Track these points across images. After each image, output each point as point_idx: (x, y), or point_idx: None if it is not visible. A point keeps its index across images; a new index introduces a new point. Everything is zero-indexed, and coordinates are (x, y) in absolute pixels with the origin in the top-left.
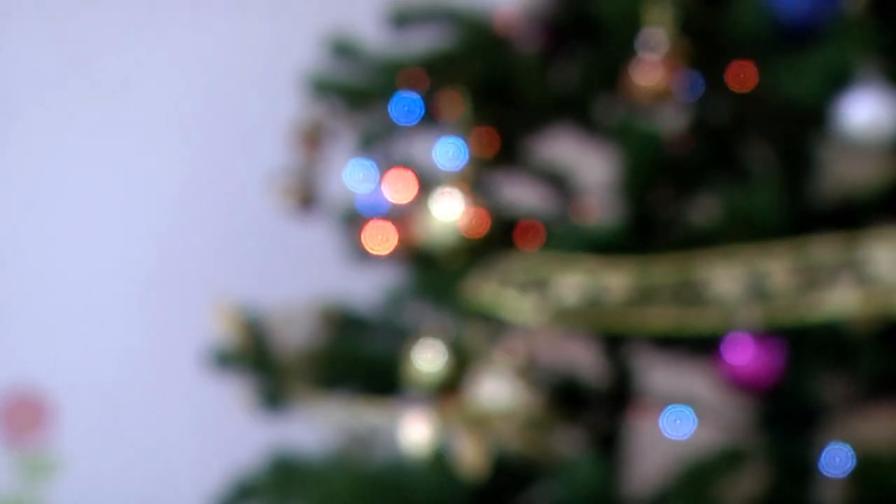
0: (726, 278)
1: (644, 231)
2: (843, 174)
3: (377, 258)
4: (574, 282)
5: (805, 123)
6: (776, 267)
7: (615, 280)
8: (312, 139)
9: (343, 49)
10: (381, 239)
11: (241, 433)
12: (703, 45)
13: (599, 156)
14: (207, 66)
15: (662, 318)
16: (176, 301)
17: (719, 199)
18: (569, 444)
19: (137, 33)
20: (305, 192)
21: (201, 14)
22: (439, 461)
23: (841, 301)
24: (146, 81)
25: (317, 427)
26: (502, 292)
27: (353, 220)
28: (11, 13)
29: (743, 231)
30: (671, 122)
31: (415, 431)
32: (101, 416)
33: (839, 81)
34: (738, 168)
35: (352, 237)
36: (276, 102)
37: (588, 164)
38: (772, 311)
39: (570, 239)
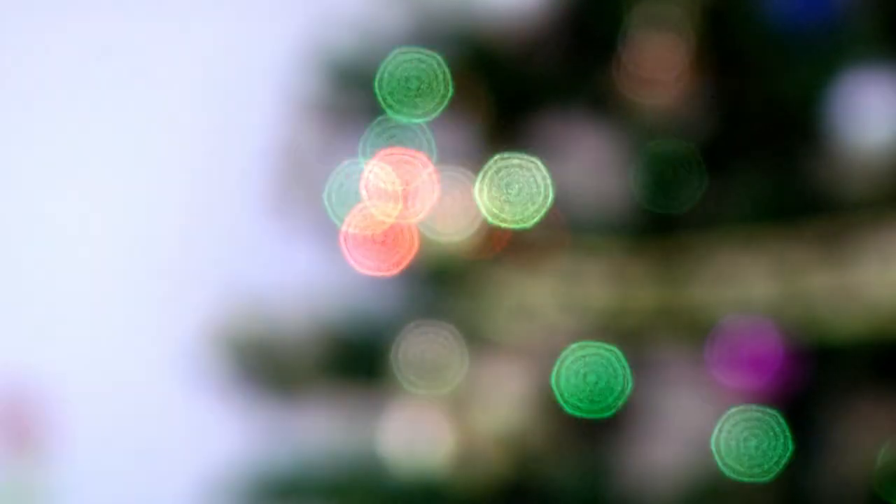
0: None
1: (663, 220)
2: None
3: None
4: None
5: (800, 126)
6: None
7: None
8: (312, 125)
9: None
10: (373, 241)
11: (242, 430)
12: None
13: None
14: (199, 58)
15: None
16: (177, 297)
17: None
18: (562, 459)
19: (133, 31)
20: (299, 182)
21: (199, 7)
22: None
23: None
24: (140, 79)
25: (321, 423)
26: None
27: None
28: (7, 15)
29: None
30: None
31: (424, 437)
32: (101, 417)
33: (837, 82)
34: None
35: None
36: (266, 95)
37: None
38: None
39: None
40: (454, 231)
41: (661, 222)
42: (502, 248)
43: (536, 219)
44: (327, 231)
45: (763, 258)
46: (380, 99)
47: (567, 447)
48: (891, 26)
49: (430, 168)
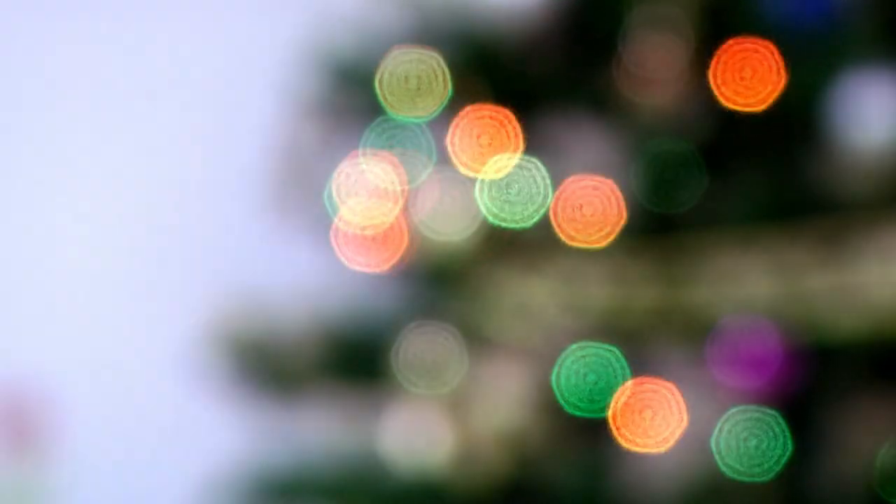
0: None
1: (663, 220)
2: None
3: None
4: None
5: (800, 126)
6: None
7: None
8: (310, 123)
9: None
10: (370, 242)
11: (242, 429)
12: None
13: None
14: (199, 57)
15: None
16: (176, 297)
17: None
18: (562, 458)
19: (133, 30)
20: (299, 182)
21: (199, 7)
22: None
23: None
24: (140, 79)
25: (321, 423)
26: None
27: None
28: (6, 14)
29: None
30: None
31: (424, 437)
32: (102, 417)
33: (837, 82)
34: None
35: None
36: (266, 95)
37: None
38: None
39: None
40: (454, 231)
41: (661, 222)
42: (502, 248)
43: (536, 218)
44: (327, 231)
45: (763, 258)
46: (380, 99)
47: (567, 447)
48: (891, 26)
49: (430, 168)
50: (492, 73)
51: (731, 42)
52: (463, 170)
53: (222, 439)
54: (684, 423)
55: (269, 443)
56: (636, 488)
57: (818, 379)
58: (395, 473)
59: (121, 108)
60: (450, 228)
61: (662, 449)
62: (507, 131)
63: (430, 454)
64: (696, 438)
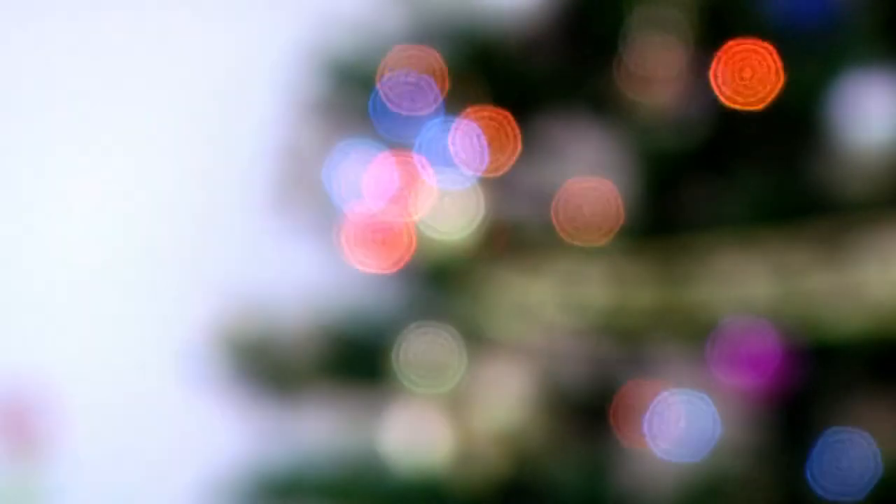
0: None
1: (663, 220)
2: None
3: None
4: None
5: (800, 126)
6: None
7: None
8: (311, 123)
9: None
10: (370, 243)
11: (242, 430)
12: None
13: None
14: (200, 58)
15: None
16: (177, 297)
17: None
18: (562, 457)
19: (134, 31)
20: (299, 182)
21: (200, 8)
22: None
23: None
24: (141, 79)
25: (321, 423)
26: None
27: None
28: (8, 15)
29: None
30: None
31: (424, 436)
32: (102, 417)
33: (837, 82)
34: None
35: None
36: (266, 95)
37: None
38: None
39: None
40: (454, 231)
41: (660, 222)
42: (502, 248)
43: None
44: (328, 231)
45: (763, 258)
46: (380, 98)
47: (567, 446)
48: (891, 26)
49: (430, 168)
50: (492, 73)
51: (731, 42)
52: (463, 170)
53: (223, 439)
54: (684, 423)
55: (269, 443)
56: (636, 488)
57: (818, 379)
58: (395, 473)
59: (122, 109)
60: (450, 228)
61: (662, 449)
62: (507, 131)
63: (430, 454)
64: (696, 438)
